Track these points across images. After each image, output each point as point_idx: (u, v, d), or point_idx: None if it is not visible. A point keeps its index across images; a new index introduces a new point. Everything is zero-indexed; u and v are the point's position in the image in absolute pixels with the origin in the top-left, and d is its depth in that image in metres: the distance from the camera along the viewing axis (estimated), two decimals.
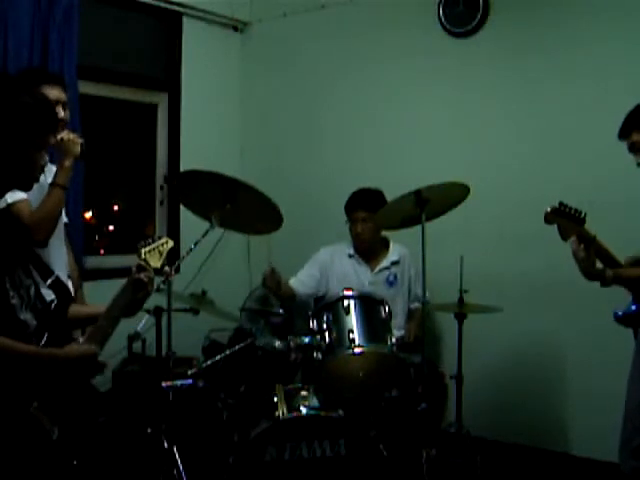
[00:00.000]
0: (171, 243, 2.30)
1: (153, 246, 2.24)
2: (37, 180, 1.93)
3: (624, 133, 2.69)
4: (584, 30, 3.78)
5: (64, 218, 3.11)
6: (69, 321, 2.06)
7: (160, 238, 2.29)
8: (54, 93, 2.81)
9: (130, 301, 2.06)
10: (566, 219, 2.59)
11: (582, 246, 2.58)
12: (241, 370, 3.35)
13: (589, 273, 2.60)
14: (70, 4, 3.74)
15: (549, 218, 2.61)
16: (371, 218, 3.68)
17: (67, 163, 2.79)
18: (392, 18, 4.40)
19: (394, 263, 3.91)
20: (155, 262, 2.21)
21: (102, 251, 4.67)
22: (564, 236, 2.62)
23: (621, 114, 2.71)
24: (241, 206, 3.10)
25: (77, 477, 1.81)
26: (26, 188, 1.96)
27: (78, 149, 2.82)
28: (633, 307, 2.67)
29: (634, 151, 2.68)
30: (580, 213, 2.59)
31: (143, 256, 2.19)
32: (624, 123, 2.69)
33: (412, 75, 4.35)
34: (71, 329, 2.17)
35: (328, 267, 3.94)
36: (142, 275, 2.07)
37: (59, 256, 2.92)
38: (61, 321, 1.96)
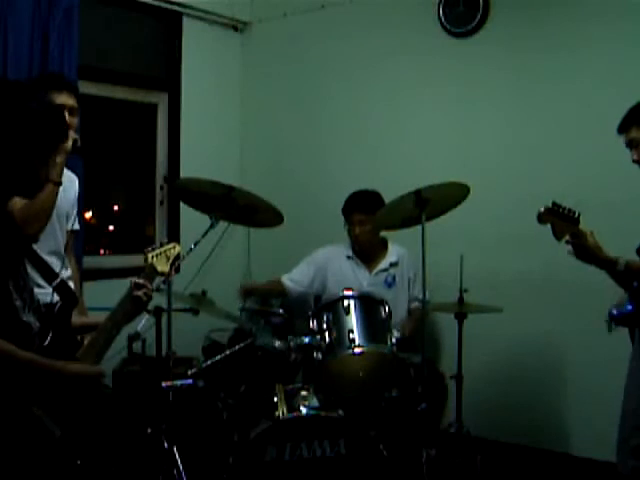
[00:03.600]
0: (179, 248, 2.28)
1: (160, 250, 2.22)
2: (41, 189, 1.92)
3: (624, 128, 2.67)
4: (584, 30, 3.78)
5: (76, 225, 3.10)
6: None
7: (169, 243, 2.28)
8: (62, 98, 2.82)
9: (128, 317, 2.06)
10: (560, 219, 2.55)
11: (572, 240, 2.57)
12: (241, 370, 3.34)
13: (596, 258, 2.57)
14: (70, 4, 3.74)
15: (543, 218, 2.57)
16: (369, 220, 3.67)
17: (58, 159, 2.76)
18: (392, 18, 4.40)
19: (392, 264, 3.90)
20: (162, 267, 2.20)
21: (102, 251, 4.68)
22: (558, 236, 2.59)
23: (620, 114, 2.70)
24: (241, 206, 3.11)
25: (79, 477, 1.80)
26: (29, 196, 1.95)
27: (69, 144, 2.81)
28: (629, 306, 2.63)
29: (631, 147, 2.66)
30: (574, 213, 2.55)
31: (150, 260, 2.18)
32: (625, 118, 2.67)
33: (412, 75, 4.35)
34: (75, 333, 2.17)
35: (325, 267, 3.94)
36: (141, 293, 2.05)
37: (54, 259, 2.90)
38: (65, 323, 1.96)
